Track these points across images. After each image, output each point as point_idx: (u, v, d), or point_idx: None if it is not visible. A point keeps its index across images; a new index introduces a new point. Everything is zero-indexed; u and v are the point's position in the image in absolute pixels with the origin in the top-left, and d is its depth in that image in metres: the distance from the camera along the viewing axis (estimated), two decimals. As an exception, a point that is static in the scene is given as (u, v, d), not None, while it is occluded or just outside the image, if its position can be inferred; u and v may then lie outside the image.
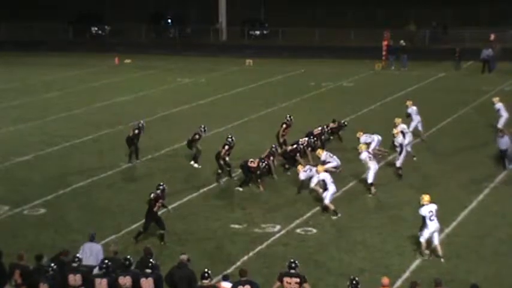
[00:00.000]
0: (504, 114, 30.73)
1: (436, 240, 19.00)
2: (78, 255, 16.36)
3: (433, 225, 18.86)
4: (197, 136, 27.33)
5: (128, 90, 42.76)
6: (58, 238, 20.56)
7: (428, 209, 18.96)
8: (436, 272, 17.57)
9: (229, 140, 25.86)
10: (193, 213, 22.68)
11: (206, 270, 15.15)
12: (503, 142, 26.39)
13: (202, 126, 27.83)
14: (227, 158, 25.53)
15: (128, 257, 15.83)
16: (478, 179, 25.15)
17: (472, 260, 18.91)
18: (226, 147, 25.52)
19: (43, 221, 22.23)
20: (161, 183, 20.86)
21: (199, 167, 27.01)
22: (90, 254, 16.93)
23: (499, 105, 31.00)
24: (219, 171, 25.45)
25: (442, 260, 18.79)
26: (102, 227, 21.12)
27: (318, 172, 22.94)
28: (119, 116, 35.86)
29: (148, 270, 15.32)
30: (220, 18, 67.15)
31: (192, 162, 27.28)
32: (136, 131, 27.75)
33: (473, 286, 14.57)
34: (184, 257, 15.96)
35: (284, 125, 28.52)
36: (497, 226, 21.09)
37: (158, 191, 20.41)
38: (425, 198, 19.20)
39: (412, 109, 30.22)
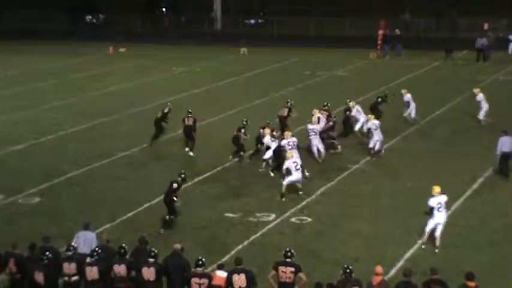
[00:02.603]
0: (484, 106, 30.76)
1: (438, 232, 19.00)
2: (72, 243, 16.37)
3: (439, 217, 18.89)
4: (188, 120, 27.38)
5: (122, 79, 42.69)
6: (53, 227, 20.54)
7: (436, 201, 19.02)
8: (430, 261, 17.62)
9: (244, 123, 26.53)
10: (188, 202, 22.64)
11: (200, 258, 15.18)
12: (506, 143, 24.24)
13: (189, 110, 28.10)
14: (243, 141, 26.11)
15: (123, 245, 15.85)
16: (473, 168, 25.19)
17: (467, 249, 18.98)
18: (243, 130, 26.16)
19: (38, 210, 22.24)
20: (183, 172, 20.98)
21: (194, 155, 27.03)
22: (84, 242, 16.93)
23: (480, 97, 30.94)
24: (241, 153, 26.11)
25: (436, 250, 18.84)
26: (97, 216, 21.11)
27: (287, 158, 23.24)
28: (113, 105, 35.81)
29: (151, 260, 15.35)
30: (215, 7, 66.98)
31: (187, 150, 27.32)
32: (166, 111, 28.28)
33: (469, 274, 14.61)
34: (178, 245, 15.97)
35: (287, 109, 28.79)
36: (492, 215, 21.16)
37: (179, 179, 20.49)
38: (436, 189, 19.26)
39: (407, 96, 30.81)
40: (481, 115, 30.67)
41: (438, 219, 18.93)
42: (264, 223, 20.89)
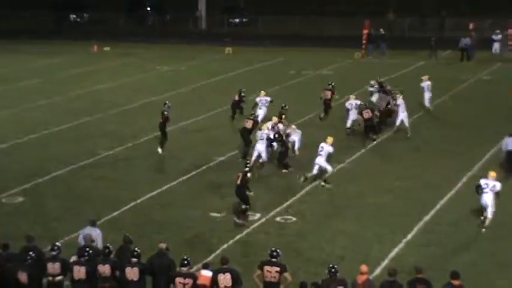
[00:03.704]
0: (427, 94, 32.34)
1: (488, 214, 19.93)
2: (57, 243, 16.28)
3: (486, 198, 19.89)
4: (166, 113, 27.11)
5: (107, 78, 42.54)
6: (36, 226, 20.43)
7: (485, 181, 20.00)
8: (415, 260, 17.67)
9: (286, 107, 27.65)
10: (173, 201, 22.64)
11: (185, 257, 15.14)
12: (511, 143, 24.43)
13: (167, 102, 28.20)
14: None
15: (108, 245, 15.79)
16: (457, 168, 25.25)
17: (451, 248, 19.05)
18: (283, 117, 26.71)
19: (21, 210, 22.10)
20: (247, 161, 21.67)
21: (161, 153, 26.96)
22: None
23: (425, 84, 32.45)
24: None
25: (483, 230, 19.89)
26: (82, 215, 20.99)
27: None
28: (97, 104, 35.69)
29: (134, 260, 15.29)
30: (199, 6, 66.90)
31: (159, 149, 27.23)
32: (242, 94, 31.20)
33: (454, 273, 14.64)
34: (163, 245, 15.94)
35: (329, 92, 31.34)
36: (475, 215, 21.20)
37: (247, 169, 20.90)
38: (491, 174, 20.26)
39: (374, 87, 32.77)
40: (427, 102, 32.24)
41: (486, 200, 19.87)
42: (248, 222, 20.85)
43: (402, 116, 29.08)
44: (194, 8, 67.05)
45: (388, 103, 29.93)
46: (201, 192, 23.40)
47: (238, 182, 20.71)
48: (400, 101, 29.22)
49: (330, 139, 23.89)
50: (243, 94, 31.34)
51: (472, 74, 41.64)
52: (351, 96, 29.71)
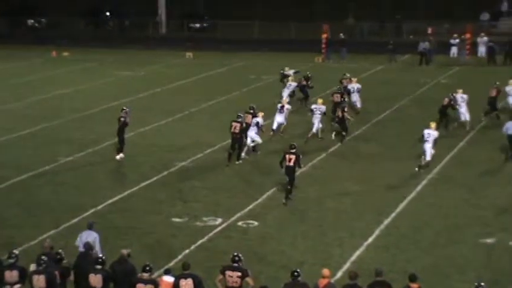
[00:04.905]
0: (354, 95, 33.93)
1: None
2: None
3: None
4: (122, 119, 26.83)
5: (66, 83, 42.17)
6: (-5, 234, 20.19)
7: None
8: (375, 263, 17.76)
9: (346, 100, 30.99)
10: (134, 207, 22.52)
11: (147, 263, 15.05)
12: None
13: (125, 107, 27.94)
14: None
15: (60, 251, 15.73)
16: (416, 171, 25.47)
17: (411, 251, 19.20)
18: (346, 109, 29.08)
19: (-21, 217, 21.81)
20: (293, 143, 22.56)
21: (119, 159, 26.81)
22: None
23: (351, 86, 34.02)
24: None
25: None
26: (41, 223, 20.83)
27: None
28: (57, 109, 35.37)
29: (99, 266, 15.17)
30: (159, 11, 66.71)
31: (119, 156, 26.91)
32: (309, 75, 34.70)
33: (412, 276, 14.77)
34: (124, 251, 15.85)
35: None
36: (435, 217, 21.44)
37: (294, 150, 22.21)
38: None
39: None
40: (357, 103, 33.44)
41: None
42: (210, 227, 20.83)
43: (462, 110, 30.09)
44: (154, 13, 66.84)
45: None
46: (162, 198, 23.30)
47: (291, 163, 22.01)
48: (458, 96, 30.27)
49: (433, 124, 25.13)
50: (309, 76, 34.91)
51: (431, 78, 42.10)
52: (353, 79, 33.75)
